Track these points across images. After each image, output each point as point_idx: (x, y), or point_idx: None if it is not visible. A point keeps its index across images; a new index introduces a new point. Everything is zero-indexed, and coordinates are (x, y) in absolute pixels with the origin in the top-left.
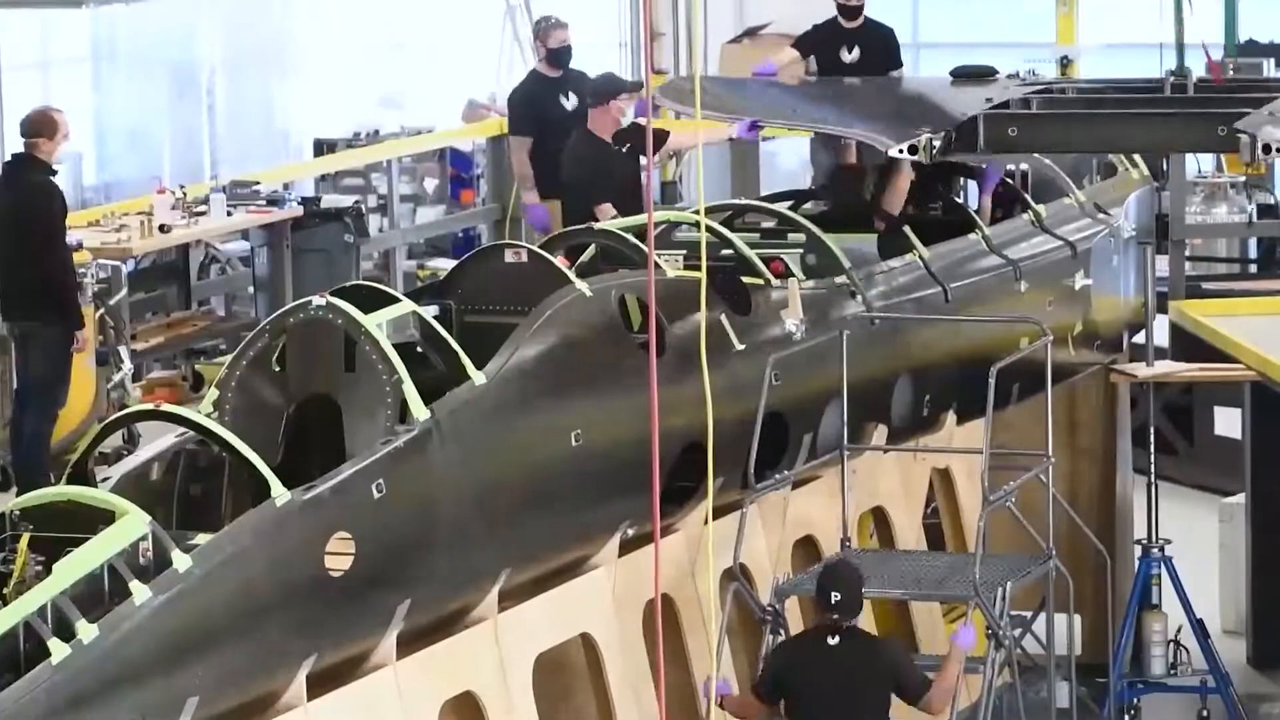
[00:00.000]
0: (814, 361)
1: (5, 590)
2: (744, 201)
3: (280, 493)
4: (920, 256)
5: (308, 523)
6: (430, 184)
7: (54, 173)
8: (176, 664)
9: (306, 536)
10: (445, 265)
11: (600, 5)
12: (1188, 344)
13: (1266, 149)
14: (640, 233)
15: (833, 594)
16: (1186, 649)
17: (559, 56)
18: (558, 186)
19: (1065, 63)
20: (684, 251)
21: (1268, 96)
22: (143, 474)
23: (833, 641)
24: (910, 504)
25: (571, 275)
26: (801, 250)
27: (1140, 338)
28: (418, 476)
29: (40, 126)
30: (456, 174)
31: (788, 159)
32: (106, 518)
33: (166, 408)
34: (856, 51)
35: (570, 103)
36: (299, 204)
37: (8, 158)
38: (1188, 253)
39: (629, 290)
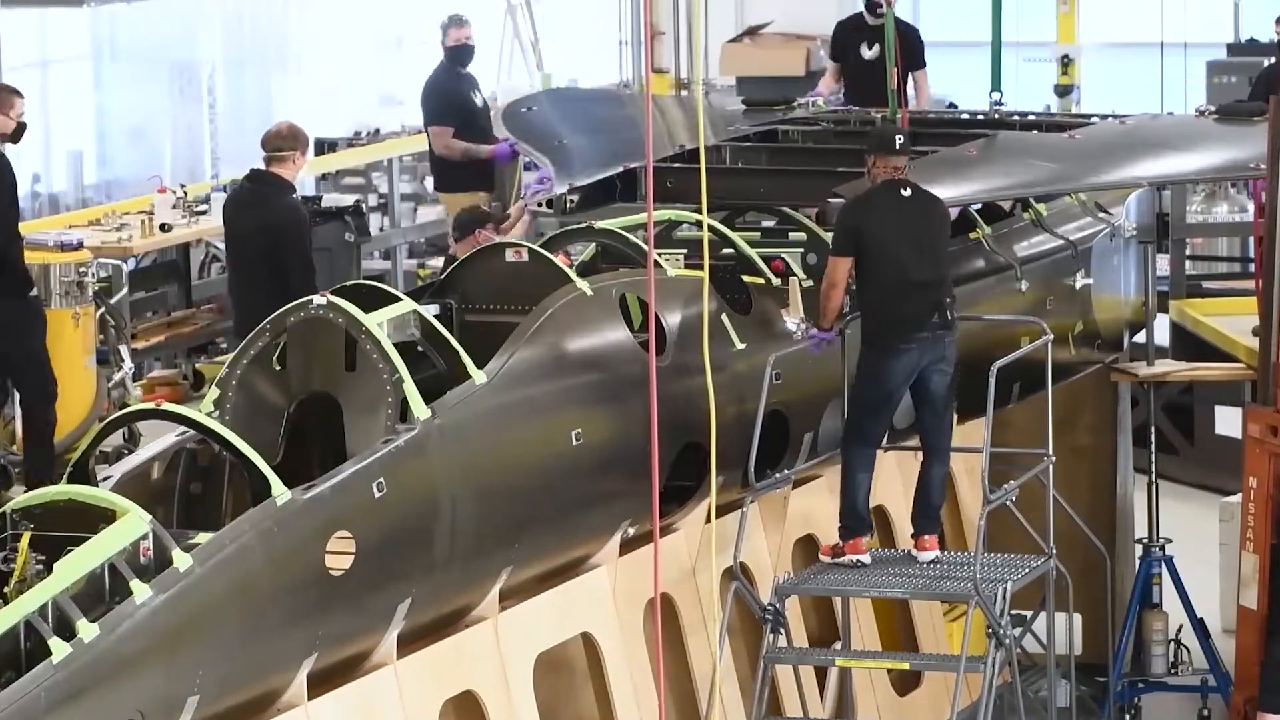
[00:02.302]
0: (815, 360)
1: (6, 589)
2: (745, 200)
3: (281, 492)
4: None
5: (308, 522)
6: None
7: (295, 191)
8: (177, 663)
9: (307, 535)
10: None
11: (600, 5)
12: (1188, 343)
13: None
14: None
15: (896, 139)
16: (1187, 648)
17: (461, 55)
18: (472, 179)
19: (1066, 62)
20: (685, 250)
21: (968, 135)
22: (143, 473)
23: (906, 193)
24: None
25: (572, 274)
26: (802, 249)
27: (1141, 337)
28: (418, 475)
29: (293, 141)
30: None
31: None
32: (107, 517)
33: (167, 407)
34: (877, 49)
35: (479, 99)
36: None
37: (248, 171)
38: (1188, 252)
39: (630, 289)
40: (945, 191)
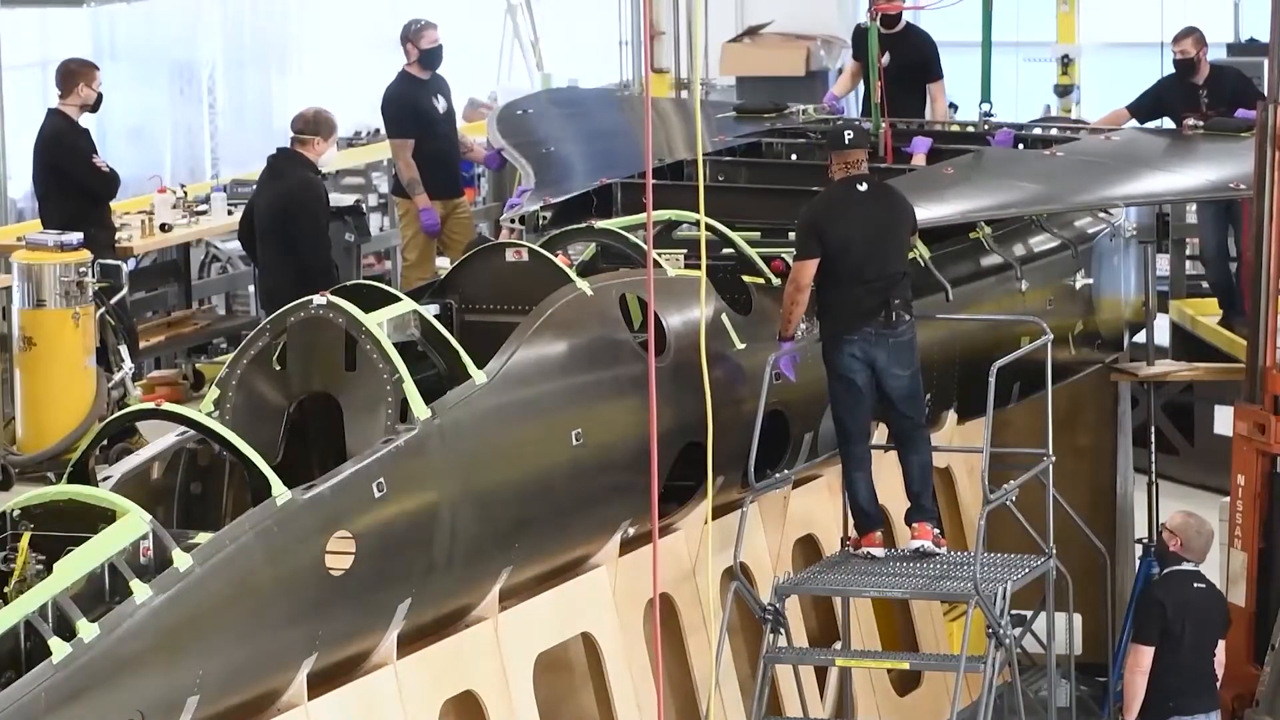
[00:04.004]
0: (815, 360)
1: (6, 589)
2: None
3: (281, 491)
4: (921, 255)
5: (308, 521)
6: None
7: (319, 172)
8: (177, 663)
9: (307, 535)
10: (446, 264)
11: (600, 5)
12: (1188, 343)
13: None
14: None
15: (845, 134)
16: None
17: (431, 58)
18: (439, 187)
19: (1066, 62)
20: (685, 250)
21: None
22: (143, 473)
23: (862, 189)
24: None
25: (572, 274)
26: None
27: (1141, 337)
28: (418, 475)
29: (317, 126)
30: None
31: None
32: (107, 516)
33: (167, 407)
34: (887, 57)
35: (441, 105)
36: None
37: (273, 151)
38: (1188, 252)
39: (630, 289)
40: (919, 213)
